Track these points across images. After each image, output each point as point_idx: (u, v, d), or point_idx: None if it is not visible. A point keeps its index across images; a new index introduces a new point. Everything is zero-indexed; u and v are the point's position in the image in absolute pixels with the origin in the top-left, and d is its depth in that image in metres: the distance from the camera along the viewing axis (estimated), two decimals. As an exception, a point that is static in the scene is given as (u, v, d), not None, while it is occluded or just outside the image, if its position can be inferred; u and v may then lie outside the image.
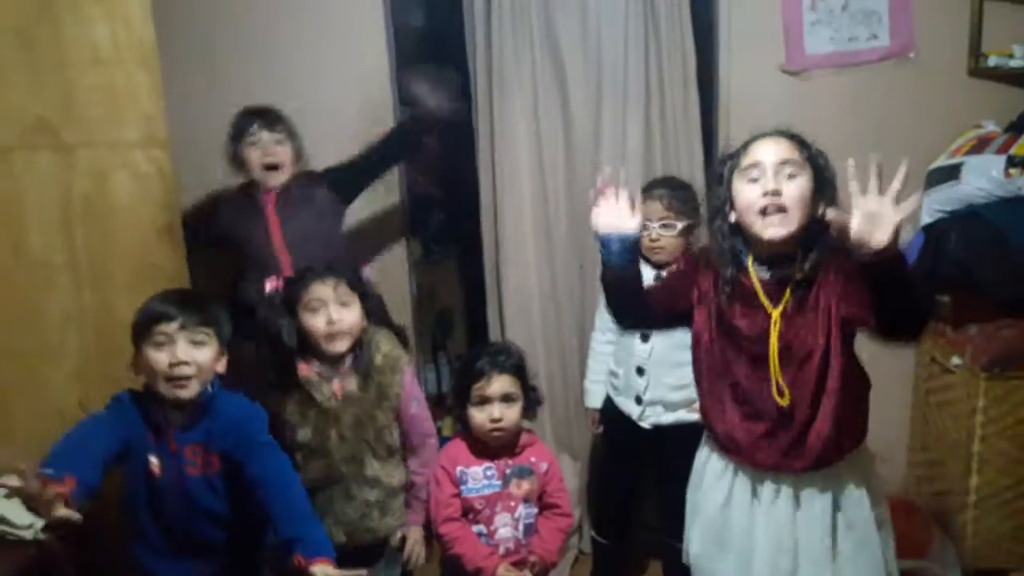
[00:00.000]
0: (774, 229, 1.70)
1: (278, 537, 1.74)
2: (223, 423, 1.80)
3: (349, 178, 2.74)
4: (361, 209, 3.01)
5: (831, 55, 2.95)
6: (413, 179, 3.13)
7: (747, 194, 1.73)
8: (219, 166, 2.77)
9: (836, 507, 1.83)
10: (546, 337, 2.99)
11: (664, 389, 2.48)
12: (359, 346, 2.10)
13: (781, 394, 1.76)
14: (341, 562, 1.78)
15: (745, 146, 1.78)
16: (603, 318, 2.67)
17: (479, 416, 2.01)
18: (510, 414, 2.01)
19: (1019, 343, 2.58)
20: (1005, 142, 2.73)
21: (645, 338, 2.50)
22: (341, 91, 2.94)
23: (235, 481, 1.80)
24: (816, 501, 1.82)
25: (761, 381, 1.79)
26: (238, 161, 2.63)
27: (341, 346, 2.05)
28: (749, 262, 1.80)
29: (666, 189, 2.52)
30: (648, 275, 2.54)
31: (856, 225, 1.50)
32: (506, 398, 2.01)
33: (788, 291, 1.75)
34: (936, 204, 2.83)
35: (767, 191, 1.69)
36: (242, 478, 1.78)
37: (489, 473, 2.04)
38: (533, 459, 2.07)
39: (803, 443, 1.78)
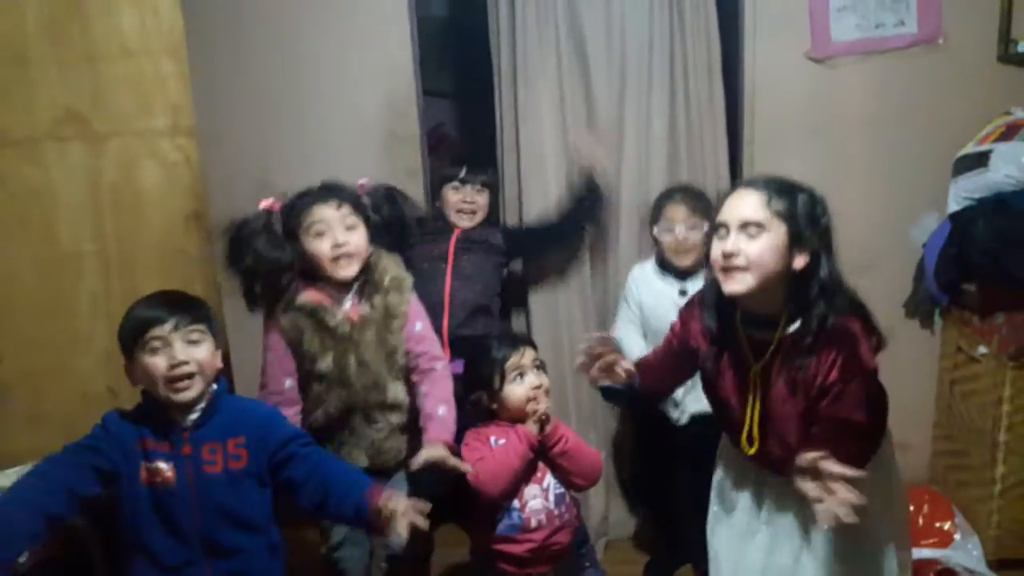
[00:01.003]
0: (730, 286, 1.71)
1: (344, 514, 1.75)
2: (242, 418, 1.78)
3: (523, 238, 2.83)
4: (385, 197, 3.03)
5: (857, 42, 2.92)
6: (435, 169, 3.14)
7: (714, 250, 1.74)
8: (245, 155, 2.80)
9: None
10: (570, 326, 2.99)
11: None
12: (365, 270, 2.03)
13: (751, 443, 1.81)
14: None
15: (726, 196, 1.78)
16: (627, 327, 2.70)
17: (519, 390, 2.00)
18: (547, 381, 2.04)
19: (1047, 333, 2.55)
20: (1034, 129, 2.69)
21: None
22: (365, 82, 2.94)
23: (261, 477, 1.79)
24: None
25: (735, 430, 1.85)
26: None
27: (349, 270, 1.98)
28: (737, 317, 1.81)
29: (686, 193, 2.57)
30: (673, 290, 2.58)
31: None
32: (540, 366, 2.05)
33: (769, 352, 1.75)
34: (964, 192, 2.79)
35: (725, 251, 1.69)
36: (285, 473, 1.77)
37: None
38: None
39: (776, 469, 1.81)
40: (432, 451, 1.93)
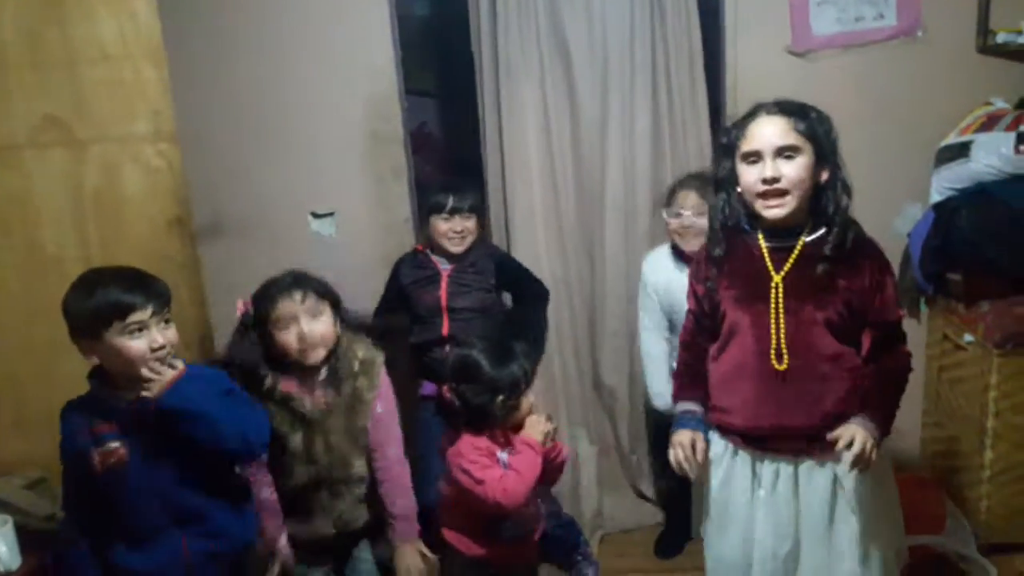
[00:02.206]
0: (774, 211, 1.80)
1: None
2: (195, 384, 1.79)
3: (509, 284, 2.82)
4: (371, 199, 3.03)
5: (837, 35, 2.93)
6: (420, 167, 3.14)
7: (747, 177, 1.81)
8: (227, 159, 2.78)
9: (836, 488, 1.87)
10: (558, 322, 3.00)
11: None
12: (335, 355, 2.08)
13: (780, 359, 1.82)
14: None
15: (745, 123, 1.83)
16: (653, 318, 2.72)
17: (524, 404, 2.05)
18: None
19: (1031, 319, 2.58)
20: (1015, 119, 2.71)
21: None
22: (348, 83, 2.93)
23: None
24: (817, 481, 1.87)
25: (761, 345, 1.84)
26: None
27: (316, 357, 2.03)
28: (759, 232, 1.87)
29: (699, 181, 2.60)
30: (680, 275, 2.54)
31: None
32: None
33: (792, 258, 1.82)
34: (946, 182, 2.81)
35: (765, 178, 1.77)
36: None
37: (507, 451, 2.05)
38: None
39: (801, 404, 1.83)
40: (406, 559, 2.12)
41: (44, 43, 2.24)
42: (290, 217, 2.95)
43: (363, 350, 2.11)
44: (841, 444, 1.71)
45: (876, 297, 1.82)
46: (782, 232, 1.84)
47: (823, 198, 1.81)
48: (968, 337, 2.71)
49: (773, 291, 1.82)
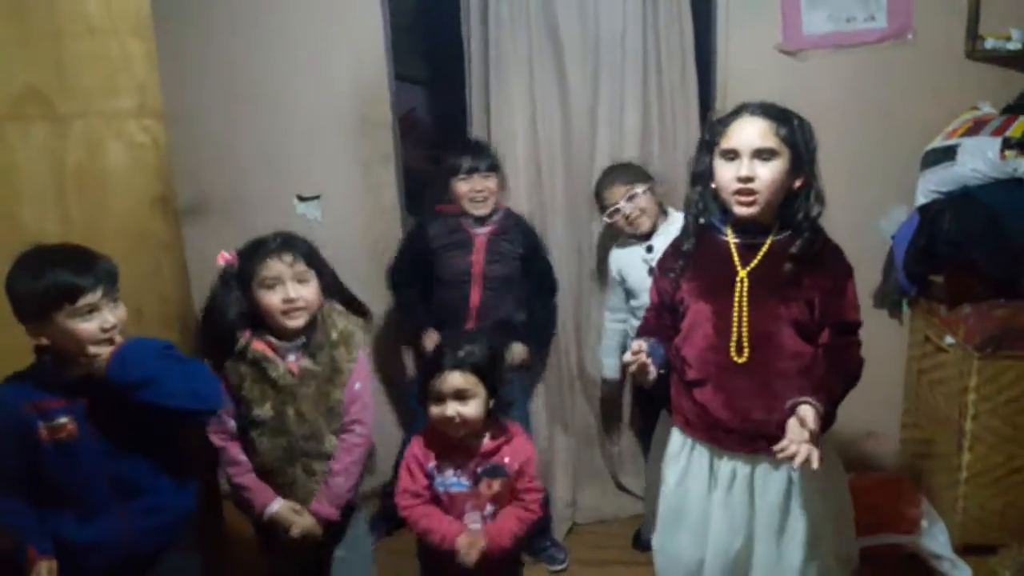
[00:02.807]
0: (744, 209, 1.84)
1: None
2: (138, 358, 1.78)
3: (531, 254, 2.79)
4: (358, 184, 3.01)
5: (828, 35, 2.95)
6: (408, 155, 3.11)
7: (723, 173, 1.86)
8: (213, 138, 2.75)
9: (790, 491, 1.89)
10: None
11: None
12: (314, 323, 2.04)
13: (740, 351, 1.86)
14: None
15: (727, 121, 1.87)
16: (614, 300, 2.86)
17: (434, 411, 1.95)
18: (465, 411, 1.92)
19: (1012, 323, 2.59)
20: (1001, 124, 2.73)
21: None
22: (337, 66, 2.92)
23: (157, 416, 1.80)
24: (772, 482, 1.89)
25: (723, 338, 1.87)
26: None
27: (298, 322, 2.00)
28: (728, 228, 1.92)
29: (613, 172, 2.75)
30: (640, 249, 2.71)
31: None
32: (459, 395, 1.92)
33: (760, 255, 1.87)
34: (931, 185, 2.84)
35: (740, 176, 1.81)
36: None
37: (458, 472, 1.99)
38: (507, 459, 1.98)
39: (759, 398, 1.84)
40: (305, 524, 2.05)
41: (29, 14, 2.18)
42: (276, 199, 2.94)
43: (343, 322, 2.08)
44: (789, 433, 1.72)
45: (837, 299, 1.86)
46: (751, 229, 1.89)
47: (794, 204, 1.86)
48: (949, 339, 2.74)
49: (738, 285, 1.87)
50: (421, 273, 2.77)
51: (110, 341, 1.72)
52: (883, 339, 3.02)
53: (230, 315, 1.99)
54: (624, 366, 1.91)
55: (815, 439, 1.69)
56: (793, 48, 2.95)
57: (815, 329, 1.87)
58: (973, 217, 2.69)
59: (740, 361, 1.86)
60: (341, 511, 2.10)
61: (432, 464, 2.00)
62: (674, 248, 2.02)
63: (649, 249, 2.66)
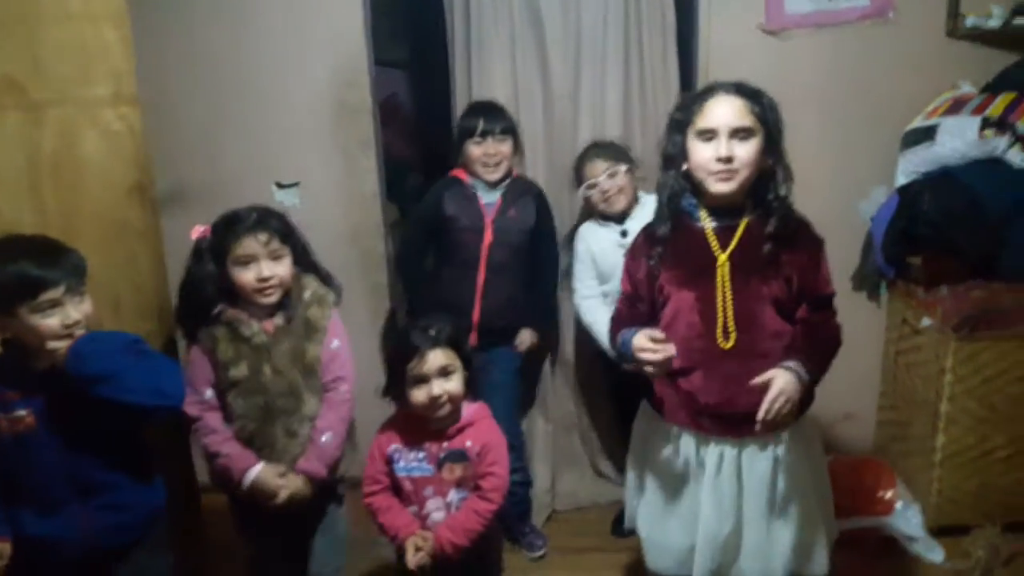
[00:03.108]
0: (723, 186, 1.83)
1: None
2: (100, 351, 1.78)
3: (540, 228, 2.78)
4: (337, 170, 3.00)
5: (811, 14, 2.93)
6: (389, 142, 3.11)
7: (700, 154, 1.84)
8: (190, 125, 2.74)
9: (777, 473, 1.91)
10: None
11: None
12: (287, 294, 2.05)
13: (727, 336, 1.86)
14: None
15: (701, 100, 1.85)
16: (586, 278, 2.79)
17: (419, 395, 1.92)
18: (450, 387, 1.93)
19: (988, 304, 2.60)
20: (981, 103, 2.73)
21: None
22: (315, 50, 2.90)
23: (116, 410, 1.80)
24: (759, 465, 1.90)
25: (708, 324, 1.87)
26: None
27: (271, 299, 2.00)
28: (702, 212, 1.90)
29: (597, 148, 2.74)
30: (614, 234, 2.70)
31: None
32: (443, 372, 1.92)
33: (736, 237, 1.86)
34: (911, 165, 2.83)
35: (720, 157, 1.80)
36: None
37: (421, 456, 1.98)
38: (469, 443, 1.96)
39: (745, 382, 1.80)
40: (292, 486, 2.02)
41: (3, 1, 2.18)
42: (254, 186, 2.92)
43: (314, 285, 2.08)
44: (762, 382, 1.76)
45: (813, 274, 1.88)
46: (725, 212, 1.89)
47: (765, 183, 1.86)
48: (926, 321, 2.74)
49: (719, 270, 1.86)
50: (429, 249, 2.75)
51: (71, 336, 1.72)
52: (861, 321, 3.02)
53: (205, 289, 1.99)
54: (631, 358, 1.86)
55: (787, 395, 1.74)
56: (776, 27, 2.94)
57: (793, 306, 1.88)
58: (952, 197, 2.69)
59: (727, 346, 1.85)
60: (323, 487, 2.09)
61: (393, 447, 1.99)
62: (648, 234, 1.99)
63: (624, 234, 2.65)
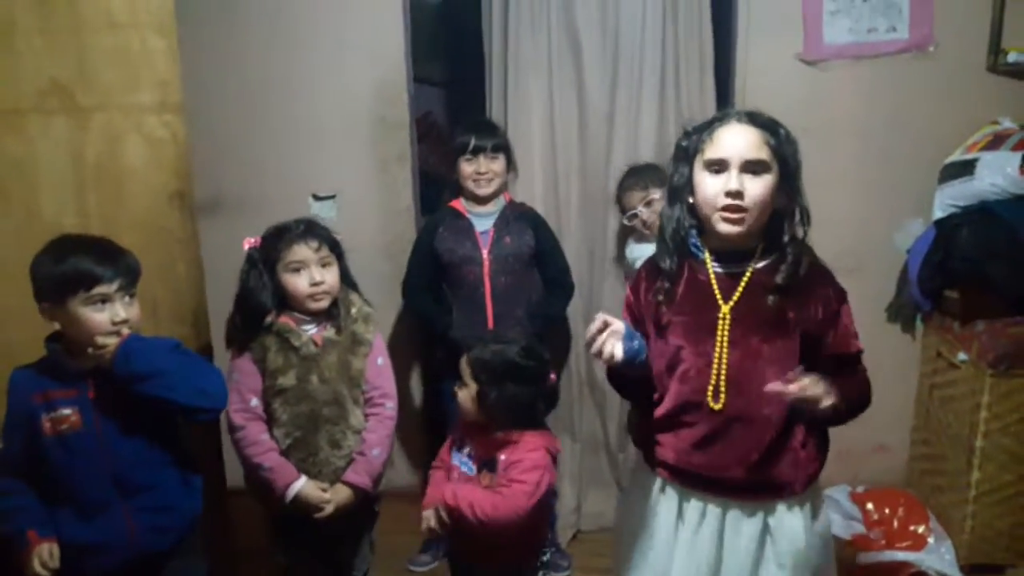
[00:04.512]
0: (730, 227, 1.62)
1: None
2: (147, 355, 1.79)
3: (543, 248, 2.75)
4: (373, 184, 3.02)
5: (849, 46, 2.93)
6: (424, 158, 3.12)
7: (709, 187, 1.62)
8: (231, 135, 2.77)
9: (765, 538, 1.71)
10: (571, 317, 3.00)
11: None
12: (335, 304, 2.11)
13: (716, 397, 1.65)
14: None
15: (711, 128, 1.64)
16: None
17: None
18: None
19: (1026, 341, 2.58)
20: (1021, 139, 2.71)
21: None
22: (356, 67, 2.93)
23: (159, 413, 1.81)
24: (744, 528, 1.71)
25: (702, 380, 1.67)
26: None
27: (322, 305, 2.07)
28: (706, 255, 1.70)
29: (632, 175, 2.72)
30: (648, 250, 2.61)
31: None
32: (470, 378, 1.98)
33: (741, 287, 1.66)
34: (949, 199, 2.82)
35: (729, 191, 1.59)
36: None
37: (470, 456, 2.03)
38: (503, 456, 1.97)
39: (735, 450, 1.65)
40: (338, 497, 2.07)
41: (52, 8, 2.22)
42: (291, 197, 2.94)
43: (359, 303, 2.16)
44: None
45: (831, 331, 1.66)
46: (731, 256, 1.68)
47: (777, 224, 1.65)
48: (962, 356, 2.71)
49: (720, 322, 1.65)
50: (434, 278, 2.75)
51: (118, 335, 1.73)
52: (895, 354, 3.01)
53: (260, 298, 2.05)
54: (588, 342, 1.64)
55: (819, 389, 1.55)
56: (813, 58, 2.94)
57: (808, 368, 1.63)
58: (991, 233, 2.67)
59: (716, 407, 1.65)
60: (364, 500, 2.13)
61: (457, 437, 2.07)
62: (651, 269, 1.77)
63: None
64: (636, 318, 1.80)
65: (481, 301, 2.65)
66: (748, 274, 1.65)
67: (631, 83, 2.92)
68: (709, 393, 1.65)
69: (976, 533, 2.67)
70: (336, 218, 2.98)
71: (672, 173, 1.71)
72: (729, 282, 1.66)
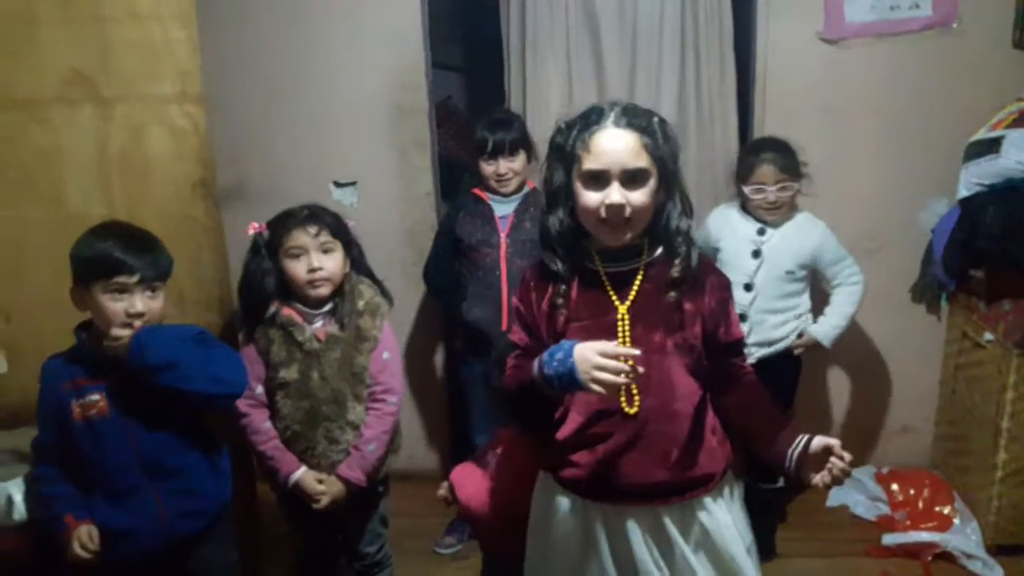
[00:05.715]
0: (615, 239, 1.57)
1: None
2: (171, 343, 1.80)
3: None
4: (393, 170, 3.03)
5: (871, 24, 2.90)
6: (444, 143, 3.13)
7: (589, 200, 1.54)
8: (251, 124, 2.79)
9: (696, 546, 1.64)
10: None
11: (768, 329, 2.61)
12: (340, 292, 2.10)
13: (631, 402, 1.59)
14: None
15: (586, 132, 1.55)
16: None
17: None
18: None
19: (1053, 320, 2.55)
20: (1048, 116, 2.68)
21: (748, 288, 2.59)
22: (375, 53, 2.94)
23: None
24: (673, 538, 1.62)
25: (611, 390, 1.51)
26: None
27: (322, 292, 2.07)
28: (596, 257, 1.62)
29: (776, 153, 2.58)
30: (752, 229, 2.62)
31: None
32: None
33: (636, 285, 1.60)
34: (974, 177, 2.78)
35: (611, 204, 1.52)
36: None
37: None
38: None
39: (655, 453, 1.59)
40: (333, 492, 2.08)
41: (75, -1, 2.23)
42: (312, 184, 2.97)
43: (369, 293, 2.14)
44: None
45: (723, 319, 1.63)
46: (619, 255, 1.61)
47: (660, 218, 1.59)
48: (988, 336, 2.69)
49: (620, 323, 1.58)
50: (454, 263, 2.76)
51: (131, 327, 1.74)
52: (920, 334, 2.99)
53: (263, 284, 2.06)
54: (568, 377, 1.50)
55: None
56: (834, 36, 2.91)
57: (700, 359, 1.61)
58: (1017, 211, 2.63)
59: (632, 411, 1.58)
60: (366, 487, 2.14)
61: None
62: (542, 273, 1.66)
63: (761, 232, 2.60)
64: (529, 327, 1.68)
65: (497, 284, 2.65)
66: (641, 271, 1.60)
67: (650, 65, 2.91)
68: (622, 398, 1.58)
69: (1002, 513, 2.65)
70: (357, 204, 3.01)
71: (550, 174, 1.63)
72: (621, 280, 1.61)
